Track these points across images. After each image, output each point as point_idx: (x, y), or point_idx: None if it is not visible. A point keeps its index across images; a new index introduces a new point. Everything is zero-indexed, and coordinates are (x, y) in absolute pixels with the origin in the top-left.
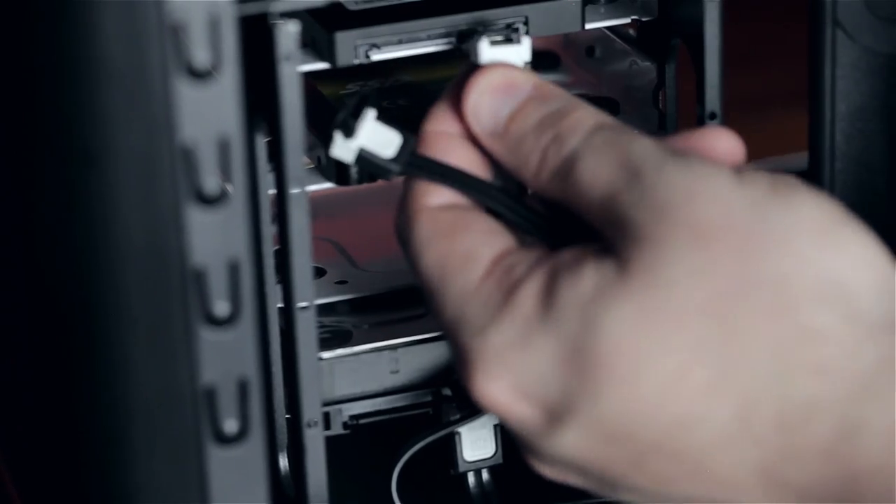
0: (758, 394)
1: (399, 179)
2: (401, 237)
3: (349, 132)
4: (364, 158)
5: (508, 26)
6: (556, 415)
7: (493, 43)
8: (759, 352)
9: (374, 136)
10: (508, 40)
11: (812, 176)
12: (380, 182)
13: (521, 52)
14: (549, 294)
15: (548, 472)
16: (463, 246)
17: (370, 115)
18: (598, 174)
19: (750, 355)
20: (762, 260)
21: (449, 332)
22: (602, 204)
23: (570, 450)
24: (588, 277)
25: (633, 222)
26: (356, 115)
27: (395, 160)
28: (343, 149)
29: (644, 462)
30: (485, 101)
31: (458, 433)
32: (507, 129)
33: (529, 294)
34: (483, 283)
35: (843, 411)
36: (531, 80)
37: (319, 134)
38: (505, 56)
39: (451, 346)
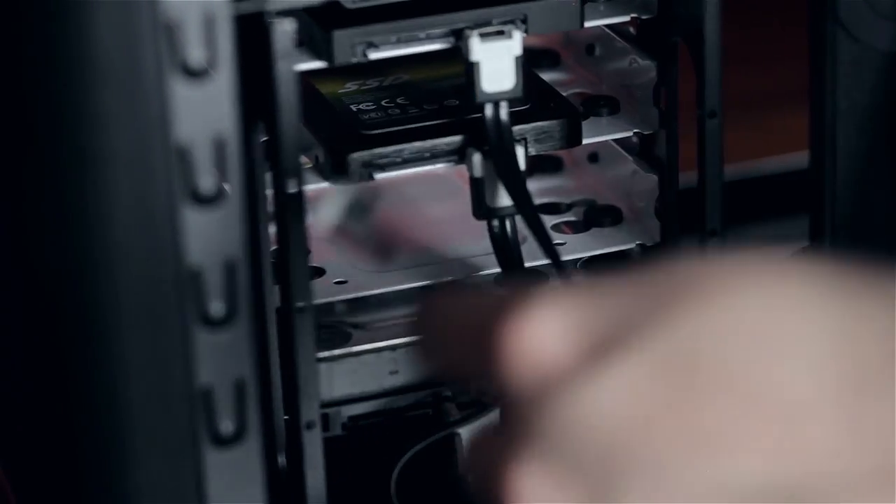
0: None
1: (400, 178)
2: None
3: None
4: None
5: (506, 24)
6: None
7: (484, 38)
8: None
9: None
10: (500, 34)
11: (813, 174)
12: (378, 181)
13: (511, 46)
14: None
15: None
16: None
17: None
18: None
19: None
20: None
21: None
22: None
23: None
24: None
25: None
26: None
27: None
28: None
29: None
30: None
31: (458, 434)
32: None
33: None
34: None
35: None
36: None
37: (317, 133)
38: (496, 51)
39: None
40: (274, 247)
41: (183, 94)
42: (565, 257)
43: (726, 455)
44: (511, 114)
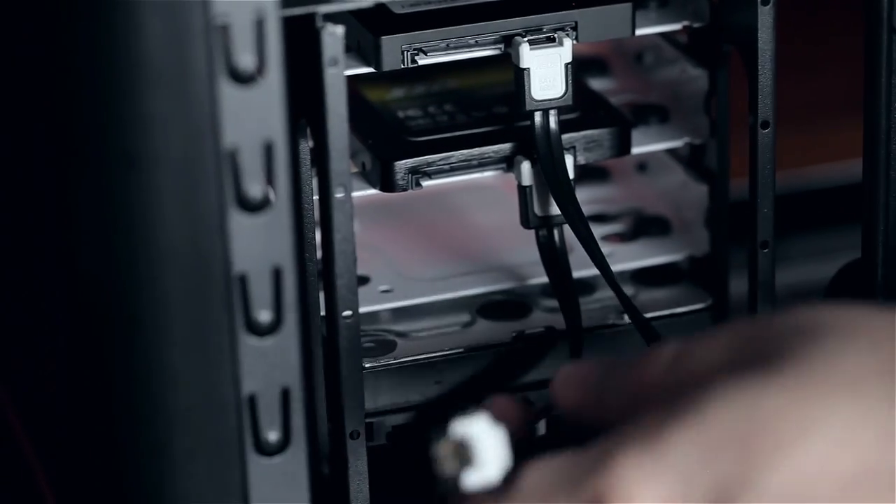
0: None
1: (445, 187)
2: None
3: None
4: None
5: (557, 31)
6: None
7: (534, 45)
8: None
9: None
10: (550, 41)
11: (866, 185)
12: (426, 188)
13: (562, 53)
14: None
15: None
16: None
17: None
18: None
19: None
20: None
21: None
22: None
23: None
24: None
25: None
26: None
27: None
28: None
29: None
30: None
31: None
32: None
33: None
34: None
35: None
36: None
37: (363, 139)
38: (546, 58)
39: None
40: (319, 254)
41: (231, 97)
42: (612, 268)
43: None
44: (560, 122)
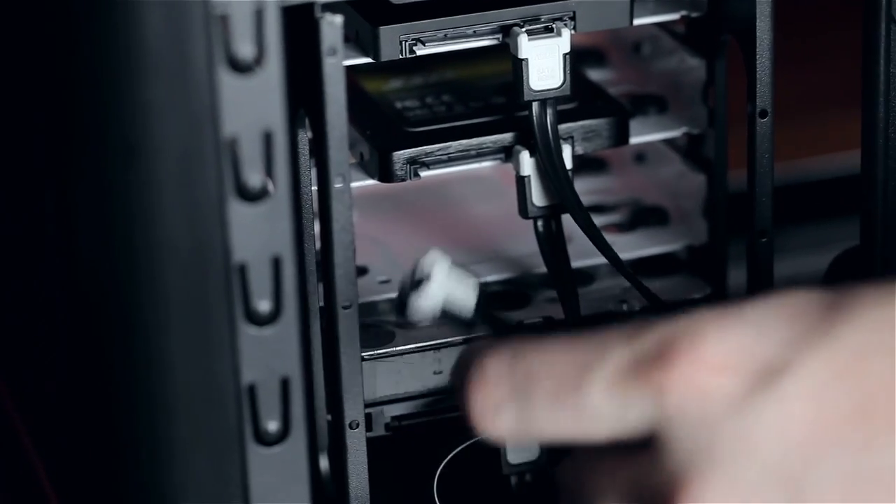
0: None
1: (443, 178)
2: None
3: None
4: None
5: (555, 21)
6: (772, 370)
7: (532, 35)
8: None
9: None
10: (548, 31)
11: (866, 175)
12: (423, 179)
13: (560, 44)
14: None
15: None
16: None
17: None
18: None
19: None
20: None
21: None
22: None
23: (778, 415)
24: None
25: None
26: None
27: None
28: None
29: (877, 400)
30: None
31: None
32: None
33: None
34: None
35: None
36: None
37: (361, 129)
38: (545, 48)
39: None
40: (318, 244)
41: (231, 87)
42: None
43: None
44: (558, 112)
